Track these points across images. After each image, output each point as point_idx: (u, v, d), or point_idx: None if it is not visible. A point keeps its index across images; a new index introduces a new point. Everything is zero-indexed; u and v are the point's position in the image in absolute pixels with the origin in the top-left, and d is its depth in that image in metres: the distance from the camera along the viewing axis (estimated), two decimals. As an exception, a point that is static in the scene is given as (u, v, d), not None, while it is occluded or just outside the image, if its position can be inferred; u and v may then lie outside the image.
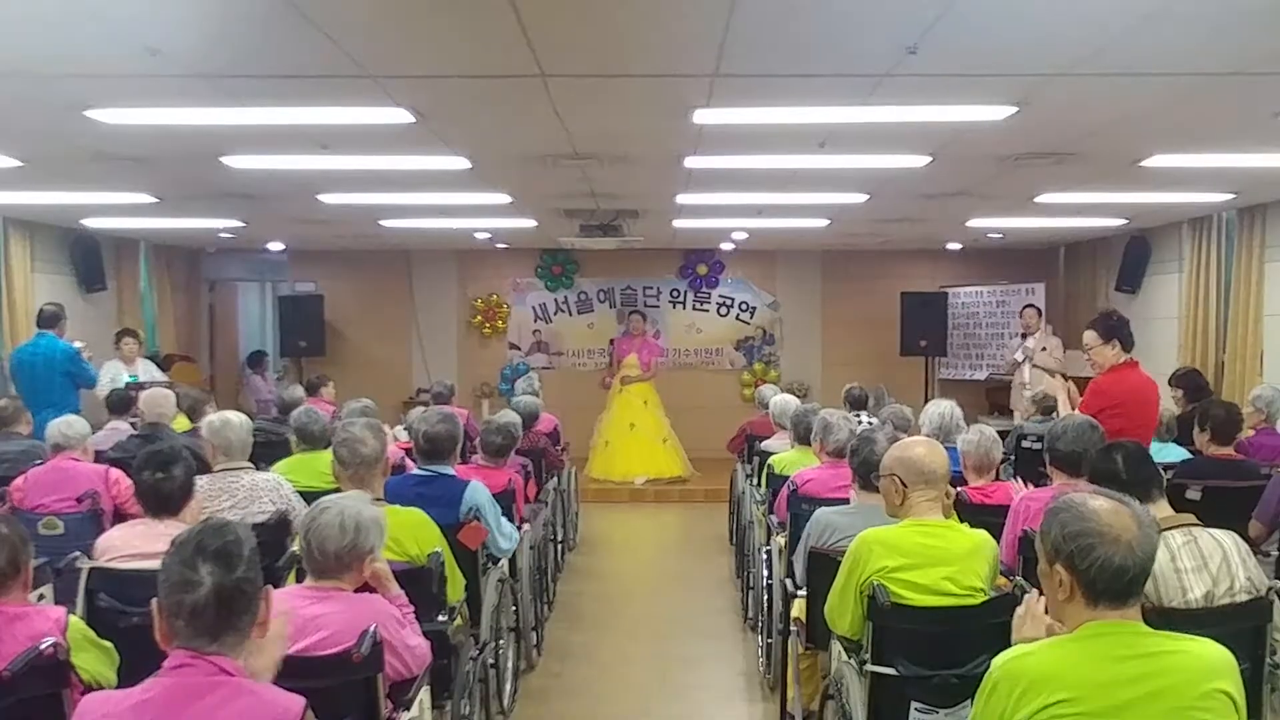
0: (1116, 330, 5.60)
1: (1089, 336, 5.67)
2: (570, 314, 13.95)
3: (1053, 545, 2.37)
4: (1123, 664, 2.27)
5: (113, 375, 9.22)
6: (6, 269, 9.41)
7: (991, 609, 3.47)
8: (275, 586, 2.60)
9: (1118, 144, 6.16)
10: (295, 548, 3.33)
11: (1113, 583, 2.30)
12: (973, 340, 12.84)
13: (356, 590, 3.17)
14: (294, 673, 2.64)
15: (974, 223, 10.26)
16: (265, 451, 5.50)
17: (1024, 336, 10.94)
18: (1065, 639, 2.35)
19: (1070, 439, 4.34)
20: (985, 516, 4.39)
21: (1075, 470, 4.29)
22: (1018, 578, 4.01)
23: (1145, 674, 2.26)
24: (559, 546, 7.96)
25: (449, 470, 4.80)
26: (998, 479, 5.06)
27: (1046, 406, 7.69)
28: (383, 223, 10.25)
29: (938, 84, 4.73)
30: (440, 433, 4.79)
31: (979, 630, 3.43)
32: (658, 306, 13.88)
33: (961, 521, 3.83)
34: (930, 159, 6.58)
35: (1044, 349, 10.60)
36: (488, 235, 11.96)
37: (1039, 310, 11.06)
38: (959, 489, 4.77)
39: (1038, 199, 8.45)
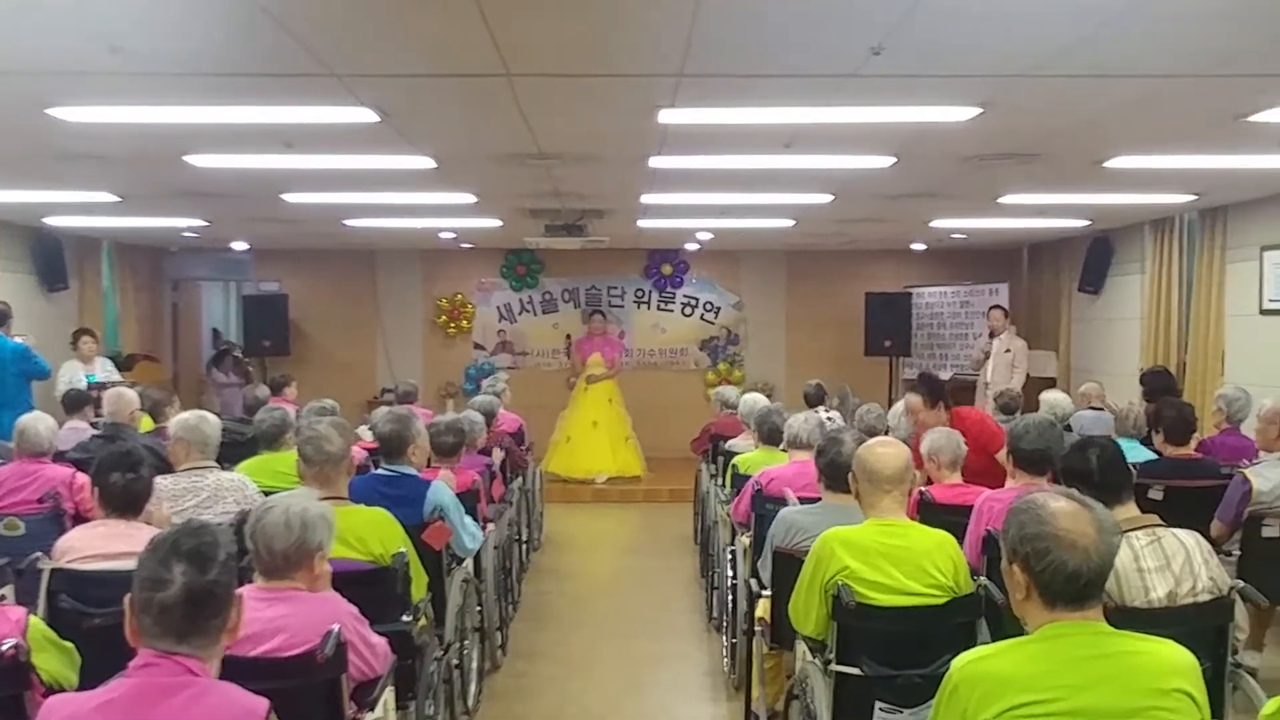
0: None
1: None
2: (535, 314, 13.91)
3: (1011, 546, 2.38)
4: (1085, 664, 2.26)
5: (70, 375, 9.10)
6: (-33, 267, 9.29)
7: (956, 608, 3.49)
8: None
9: (1081, 145, 6.20)
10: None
11: (1067, 586, 2.29)
12: (937, 340, 12.91)
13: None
14: (256, 674, 2.61)
15: (937, 223, 10.31)
16: (229, 451, 5.44)
17: (990, 337, 11.00)
18: (1025, 640, 2.35)
19: (1033, 438, 4.36)
20: (950, 516, 4.40)
21: (1038, 469, 4.31)
22: (981, 577, 4.03)
23: (1107, 675, 2.25)
24: (523, 546, 7.94)
25: (412, 470, 4.77)
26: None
27: (1009, 406, 7.74)
28: (347, 222, 10.18)
29: (902, 84, 4.75)
30: (387, 433, 4.75)
31: (943, 630, 3.46)
32: (622, 306, 13.86)
33: (926, 521, 3.84)
34: (894, 160, 6.59)
35: (1008, 350, 10.67)
36: (452, 235, 11.91)
37: (1005, 311, 11.13)
38: (923, 488, 4.79)
39: (1001, 200, 8.49)
